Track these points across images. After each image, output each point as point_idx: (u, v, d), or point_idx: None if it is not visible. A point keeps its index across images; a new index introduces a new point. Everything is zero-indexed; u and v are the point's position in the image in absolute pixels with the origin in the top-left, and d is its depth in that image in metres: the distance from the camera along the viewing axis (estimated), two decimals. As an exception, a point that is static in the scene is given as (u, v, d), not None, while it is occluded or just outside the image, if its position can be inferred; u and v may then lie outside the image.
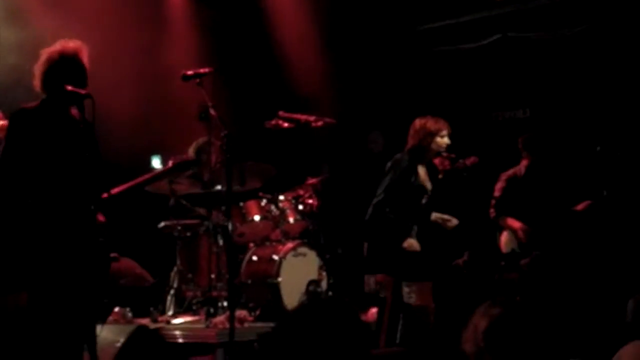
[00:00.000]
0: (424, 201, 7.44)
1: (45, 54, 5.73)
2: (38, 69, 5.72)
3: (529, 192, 8.07)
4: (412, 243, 7.26)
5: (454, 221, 7.41)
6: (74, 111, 5.70)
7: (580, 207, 7.94)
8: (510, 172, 8.28)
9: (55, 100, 5.65)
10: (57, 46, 5.73)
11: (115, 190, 6.25)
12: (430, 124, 7.39)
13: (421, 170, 7.46)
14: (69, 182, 5.57)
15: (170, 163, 7.66)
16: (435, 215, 7.43)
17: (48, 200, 5.50)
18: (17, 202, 5.56)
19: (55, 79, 5.63)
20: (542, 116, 9.63)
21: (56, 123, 5.62)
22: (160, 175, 7.68)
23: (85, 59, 5.74)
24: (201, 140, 8.04)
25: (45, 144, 5.54)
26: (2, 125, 6.26)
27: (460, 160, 7.37)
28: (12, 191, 5.56)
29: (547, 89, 9.68)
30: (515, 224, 8.01)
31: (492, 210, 8.17)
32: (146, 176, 7.53)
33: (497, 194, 8.21)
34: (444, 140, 7.38)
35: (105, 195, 5.67)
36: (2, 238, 6.14)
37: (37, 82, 5.71)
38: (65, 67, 5.65)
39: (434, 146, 7.38)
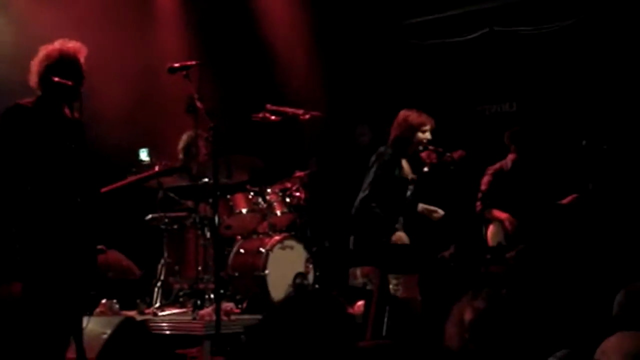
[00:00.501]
0: (408, 193, 7.47)
1: (43, 50, 5.73)
2: (35, 65, 5.72)
3: (515, 185, 8.09)
4: (400, 236, 7.29)
5: (440, 212, 7.44)
6: (67, 109, 5.74)
7: (566, 200, 7.98)
8: (497, 165, 8.31)
9: (50, 97, 5.66)
10: (57, 45, 5.74)
11: (103, 190, 6.28)
12: (413, 117, 7.41)
13: (405, 164, 7.48)
14: (59, 176, 5.60)
15: (156, 168, 7.69)
16: (421, 207, 7.46)
17: (40, 193, 5.53)
18: (13, 193, 5.59)
19: (47, 78, 5.65)
20: (529, 110, 9.66)
21: (50, 120, 5.64)
22: (147, 178, 7.71)
23: (82, 60, 5.76)
24: (189, 133, 8.05)
25: (38, 139, 5.56)
26: None
27: (448, 154, 7.39)
28: (9, 183, 5.59)
29: (534, 83, 9.72)
30: (502, 214, 8.04)
31: (478, 203, 8.19)
32: (132, 178, 7.58)
33: (483, 187, 8.23)
34: (425, 136, 7.40)
35: (102, 190, 5.72)
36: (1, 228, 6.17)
37: (33, 78, 5.73)
38: (63, 66, 5.66)
39: (415, 140, 7.40)
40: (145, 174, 7.69)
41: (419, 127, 7.40)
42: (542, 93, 9.62)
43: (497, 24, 9.91)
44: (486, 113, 10.08)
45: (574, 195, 7.98)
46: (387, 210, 7.26)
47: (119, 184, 7.48)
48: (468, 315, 3.29)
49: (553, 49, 9.57)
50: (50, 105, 5.67)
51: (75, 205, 5.55)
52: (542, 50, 9.63)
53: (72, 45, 5.75)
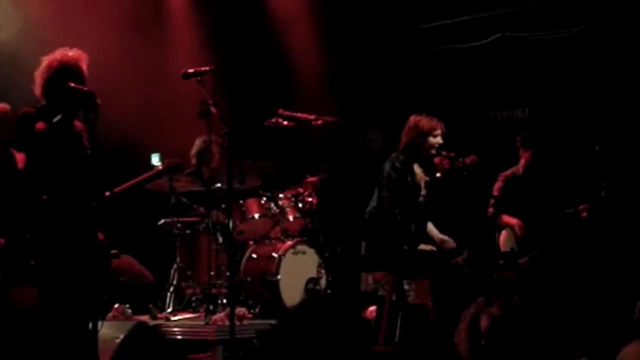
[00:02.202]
0: (420, 199, 7.47)
1: (45, 61, 5.79)
2: (39, 75, 5.78)
3: (527, 191, 8.07)
4: (424, 247, 7.32)
5: (452, 243, 7.45)
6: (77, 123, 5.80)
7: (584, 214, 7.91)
8: (509, 171, 8.29)
9: (55, 105, 5.69)
10: (57, 54, 5.79)
11: (117, 189, 6.32)
12: (424, 122, 7.42)
13: (417, 169, 7.49)
14: (74, 181, 5.65)
15: (162, 165, 7.72)
16: (435, 236, 7.49)
17: (55, 198, 5.58)
18: (28, 200, 5.66)
19: (56, 85, 5.68)
20: (541, 115, 9.65)
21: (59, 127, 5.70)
22: (154, 176, 7.73)
23: (85, 67, 5.79)
24: (203, 138, 8.08)
25: (50, 147, 5.62)
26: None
27: (460, 159, 7.39)
28: (24, 189, 5.67)
29: (546, 88, 9.70)
30: (512, 220, 8.02)
31: (490, 209, 8.18)
32: (140, 177, 7.61)
33: (495, 193, 8.21)
34: (436, 140, 7.40)
35: (107, 194, 5.73)
36: (11, 234, 6.22)
37: (37, 89, 5.78)
38: (65, 75, 5.70)
39: (426, 145, 7.41)
40: (151, 172, 7.70)
41: (430, 132, 7.41)
42: (554, 98, 9.60)
43: (509, 30, 9.91)
44: (498, 118, 10.07)
45: (587, 205, 7.94)
46: (403, 215, 7.28)
47: (127, 184, 7.51)
48: (484, 322, 3.28)
49: (565, 55, 9.56)
50: (56, 113, 5.70)
51: (91, 210, 5.59)
52: (554, 55, 9.62)
53: (72, 53, 5.80)
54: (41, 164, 5.66)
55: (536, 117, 9.69)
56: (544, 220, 7.88)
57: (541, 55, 9.71)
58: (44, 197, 5.62)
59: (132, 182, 7.55)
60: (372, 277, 8.13)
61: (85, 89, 5.65)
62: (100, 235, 5.73)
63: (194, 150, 8.32)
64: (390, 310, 6.90)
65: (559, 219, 7.86)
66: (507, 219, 8.07)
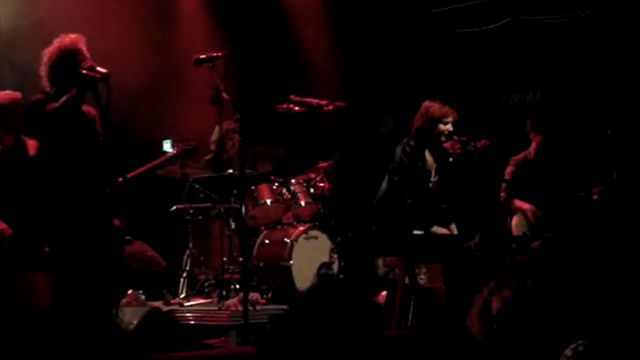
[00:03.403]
0: (430, 185, 7.48)
1: (46, 54, 5.84)
2: (43, 70, 5.84)
3: (539, 175, 8.06)
4: (437, 230, 7.33)
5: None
6: (84, 106, 5.82)
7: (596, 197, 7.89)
8: (520, 155, 8.26)
9: (63, 92, 5.72)
10: (55, 44, 5.84)
11: (129, 175, 6.34)
12: (436, 108, 7.43)
13: (427, 154, 7.49)
14: (87, 168, 5.69)
15: (175, 149, 7.73)
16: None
17: (68, 185, 5.62)
18: (42, 187, 5.70)
19: (61, 74, 5.72)
20: (552, 99, 9.62)
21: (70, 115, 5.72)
22: (167, 161, 7.73)
23: (84, 48, 5.81)
24: (223, 125, 8.08)
25: (63, 133, 5.66)
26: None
27: (472, 144, 7.38)
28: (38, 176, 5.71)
29: (557, 72, 9.67)
30: (524, 205, 8.01)
31: (502, 193, 8.16)
32: (153, 162, 7.62)
33: (507, 177, 8.20)
34: (446, 127, 7.42)
35: (120, 179, 5.77)
36: (25, 221, 6.26)
37: (45, 83, 5.82)
38: (67, 60, 5.73)
39: (435, 131, 7.42)
40: (165, 157, 7.71)
41: (440, 119, 7.42)
42: (566, 82, 9.57)
43: (520, 13, 9.87)
44: (509, 102, 10.04)
45: (600, 188, 7.92)
46: (415, 199, 7.29)
47: (140, 169, 7.52)
48: (496, 305, 3.30)
49: (577, 38, 9.51)
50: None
51: (104, 197, 5.62)
52: (566, 39, 9.58)
53: (69, 38, 5.85)
54: (54, 149, 5.69)
55: (548, 100, 9.66)
56: (556, 204, 7.87)
57: (553, 38, 9.67)
58: (57, 183, 5.65)
59: (146, 167, 7.56)
60: (382, 262, 8.15)
61: (98, 75, 5.67)
62: (117, 221, 5.76)
63: (213, 136, 8.32)
64: (403, 294, 6.91)
65: (571, 202, 7.85)
66: (519, 204, 8.05)
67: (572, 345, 3.41)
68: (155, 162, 7.71)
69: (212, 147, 8.37)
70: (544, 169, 8.05)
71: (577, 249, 6.81)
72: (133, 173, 7.25)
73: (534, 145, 8.18)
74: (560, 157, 8.11)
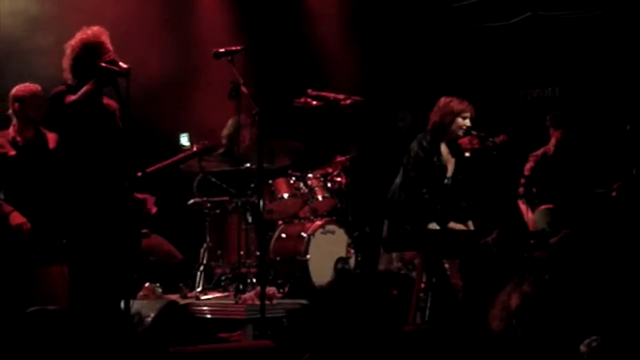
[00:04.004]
0: (446, 181, 7.46)
1: (69, 47, 5.88)
2: (65, 62, 5.87)
3: (558, 170, 8.02)
4: (454, 226, 7.32)
5: None
6: (105, 99, 5.85)
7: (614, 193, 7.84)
8: (540, 151, 8.24)
9: (84, 84, 5.74)
10: (77, 37, 5.88)
11: (149, 170, 6.38)
12: (455, 103, 7.41)
13: (444, 149, 7.48)
14: (106, 160, 5.71)
15: (195, 147, 7.74)
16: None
17: (87, 178, 5.65)
18: (60, 179, 5.74)
19: (82, 67, 5.74)
20: (571, 95, 9.58)
21: (90, 106, 5.74)
22: (186, 158, 7.76)
23: (107, 40, 5.83)
24: (235, 119, 8.09)
25: (81, 125, 5.68)
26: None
27: (490, 139, 7.36)
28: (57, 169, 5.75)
29: (577, 67, 9.63)
30: (529, 214, 7.95)
31: (521, 189, 8.13)
32: (172, 159, 7.65)
33: (526, 173, 8.16)
34: (464, 122, 7.38)
35: (139, 174, 5.79)
36: (43, 213, 6.29)
37: (67, 75, 5.84)
38: (89, 53, 5.75)
39: (454, 126, 7.39)
40: (183, 154, 7.73)
41: (459, 113, 7.39)
42: (585, 78, 9.53)
43: (540, 8, 9.83)
44: (528, 98, 10.01)
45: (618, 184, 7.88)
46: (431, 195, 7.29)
47: (160, 164, 7.55)
48: (515, 301, 3.28)
49: (596, 34, 9.47)
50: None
51: (123, 190, 5.64)
52: (586, 34, 9.54)
53: (91, 31, 5.87)
54: (73, 141, 5.72)
55: (567, 96, 9.62)
56: (574, 200, 7.84)
57: (572, 34, 9.63)
58: (75, 175, 5.67)
59: (165, 163, 7.59)
60: (396, 256, 8.15)
61: (117, 68, 5.68)
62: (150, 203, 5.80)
63: (225, 131, 8.33)
64: (422, 290, 6.92)
65: (590, 198, 7.81)
66: (524, 210, 8.01)
67: (586, 341, 3.41)
68: (174, 159, 7.74)
69: (224, 141, 8.38)
70: (563, 165, 8.02)
71: (594, 245, 6.79)
72: (152, 168, 7.29)
73: (553, 140, 8.15)
74: (580, 153, 8.08)
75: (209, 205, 7.97)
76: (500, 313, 3.31)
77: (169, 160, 7.71)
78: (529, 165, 8.18)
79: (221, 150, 8.25)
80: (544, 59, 9.86)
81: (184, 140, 7.98)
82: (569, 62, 9.67)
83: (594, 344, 3.35)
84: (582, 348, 3.37)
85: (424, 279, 7.07)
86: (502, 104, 9.89)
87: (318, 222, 7.98)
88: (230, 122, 8.28)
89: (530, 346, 3.24)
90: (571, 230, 7.03)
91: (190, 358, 3.65)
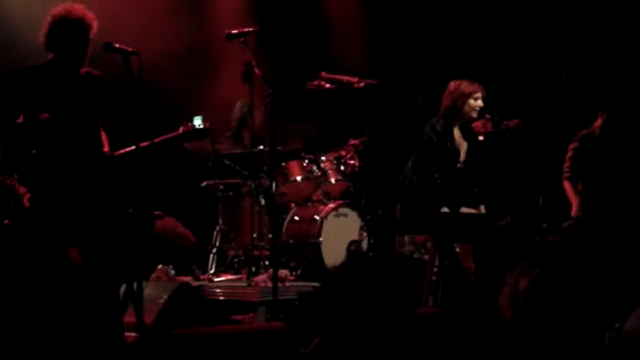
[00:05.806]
0: (459, 165, 7.44)
1: (50, 14, 5.79)
2: (43, 27, 5.79)
3: (604, 152, 7.78)
4: (465, 211, 7.31)
5: None
6: (83, 71, 5.79)
7: None
8: (584, 132, 7.94)
9: (61, 60, 5.71)
10: (60, 8, 5.77)
11: (117, 154, 6.30)
12: (465, 85, 7.41)
13: (456, 133, 7.47)
14: (68, 137, 5.67)
15: (180, 129, 7.64)
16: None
17: (45, 155, 5.60)
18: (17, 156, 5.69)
19: (56, 40, 5.70)
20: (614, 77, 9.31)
21: (60, 82, 5.70)
22: (171, 139, 7.62)
23: (91, 24, 5.74)
24: (243, 101, 8.08)
25: (41, 101, 5.64)
26: None
27: (504, 123, 7.32)
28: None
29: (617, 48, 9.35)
30: (573, 197, 7.75)
31: (566, 169, 7.85)
32: (158, 139, 7.55)
33: (570, 154, 7.87)
34: (477, 103, 7.38)
35: (106, 149, 5.77)
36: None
37: (41, 40, 5.79)
38: (65, 29, 5.70)
39: (466, 108, 7.40)
40: (167, 135, 7.64)
41: (471, 95, 7.39)
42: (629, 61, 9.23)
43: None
44: (563, 77, 9.78)
45: None
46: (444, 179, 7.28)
47: (149, 142, 7.44)
48: (523, 283, 3.27)
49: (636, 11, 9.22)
50: (61, 68, 5.74)
51: (85, 168, 5.63)
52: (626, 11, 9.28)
53: (79, 12, 5.75)
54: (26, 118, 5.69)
55: (608, 78, 9.36)
56: (618, 183, 7.66)
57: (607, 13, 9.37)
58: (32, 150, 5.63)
59: (145, 143, 7.46)
60: (409, 239, 8.12)
61: (130, 49, 5.67)
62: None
63: (235, 114, 8.32)
64: (435, 273, 6.92)
65: (634, 181, 7.64)
66: (570, 193, 7.81)
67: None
68: (156, 140, 7.60)
69: (234, 123, 8.36)
70: (608, 147, 7.76)
71: (610, 230, 6.74)
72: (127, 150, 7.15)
73: (599, 122, 7.86)
74: (626, 135, 7.83)
75: (221, 187, 7.98)
76: (509, 298, 3.30)
77: (150, 141, 7.54)
78: (573, 146, 7.88)
79: (229, 133, 8.23)
80: (562, 40, 9.65)
81: (198, 122, 7.96)
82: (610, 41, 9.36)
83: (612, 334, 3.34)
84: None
85: (436, 262, 7.06)
86: (527, 86, 9.69)
87: (331, 205, 7.98)
88: (238, 105, 8.27)
89: (539, 331, 3.23)
90: (586, 214, 6.95)
91: (202, 339, 3.65)
